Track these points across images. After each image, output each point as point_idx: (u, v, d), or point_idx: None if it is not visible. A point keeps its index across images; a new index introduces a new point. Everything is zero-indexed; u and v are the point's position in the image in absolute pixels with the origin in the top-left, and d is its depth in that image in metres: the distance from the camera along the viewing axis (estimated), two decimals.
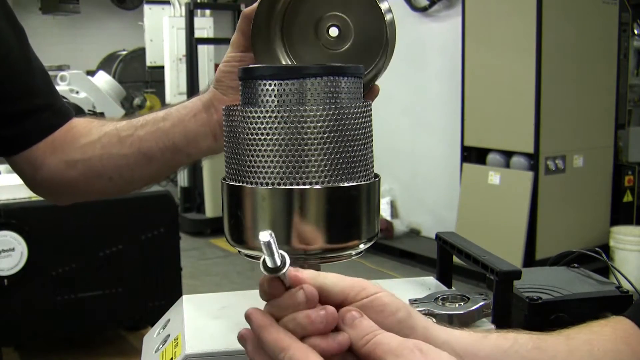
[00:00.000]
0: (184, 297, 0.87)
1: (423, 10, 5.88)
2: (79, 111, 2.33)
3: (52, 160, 1.03)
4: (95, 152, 1.01)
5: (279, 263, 0.54)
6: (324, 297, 0.56)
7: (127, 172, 1.00)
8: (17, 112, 1.01)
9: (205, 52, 7.40)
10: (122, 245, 3.26)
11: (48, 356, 3.51)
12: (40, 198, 3.27)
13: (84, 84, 2.79)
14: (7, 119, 1.01)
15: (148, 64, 8.18)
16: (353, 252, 0.69)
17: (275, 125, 0.64)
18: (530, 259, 4.75)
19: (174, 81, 7.33)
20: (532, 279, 0.95)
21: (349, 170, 0.66)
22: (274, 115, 0.64)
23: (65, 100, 2.35)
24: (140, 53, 9.20)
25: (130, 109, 8.00)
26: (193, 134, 0.94)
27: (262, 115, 0.65)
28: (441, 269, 0.92)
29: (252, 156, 0.65)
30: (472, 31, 5.13)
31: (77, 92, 2.64)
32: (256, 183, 0.65)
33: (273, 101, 0.66)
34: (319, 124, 0.64)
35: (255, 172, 0.65)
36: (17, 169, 1.07)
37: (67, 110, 1.08)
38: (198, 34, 7.01)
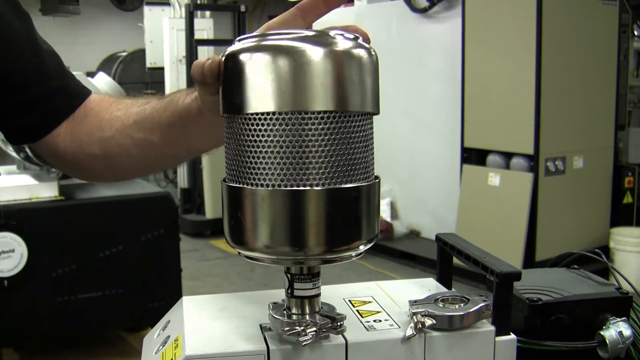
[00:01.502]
0: (184, 298, 0.87)
1: (423, 11, 5.88)
2: None
3: (73, 150, 1.03)
4: (114, 150, 1.00)
5: None
6: None
7: (156, 167, 1.06)
8: (30, 99, 1.01)
9: (205, 53, 7.40)
10: (122, 246, 3.26)
11: (48, 357, 3.51)
12: (40, 199, 3.26)
13: (84, 84, 2.80)
14: (21, 106, 1.01)
15: (148, 65, 8.19)
16: (353, 253, 0.69)
17: (276, 127, 0.64)
18: (530, 260, 4.75)
19: (174, 82, 7.33)
20: (532, 280, 0.95)
21: (350, 172, 0.66)
22: (274, 116, 0.64)
23: None
24: (140, 54, 9.20)
25: None
26: (220, 141, 0.94)
27: (262, 117, 0.65)
28: (441, 270, 0.92)
29: (253, 157, 0.65)
30: (472, 32, 5.14)
31: None
32: (256, 184, 0.65)
33: None
34: (320, 126, 0.64)
35: (256, 173, 0.65)
36: (43, 156, 1.08)
37: (80, 91, 1.07)
38: (198, 35, 7.01)
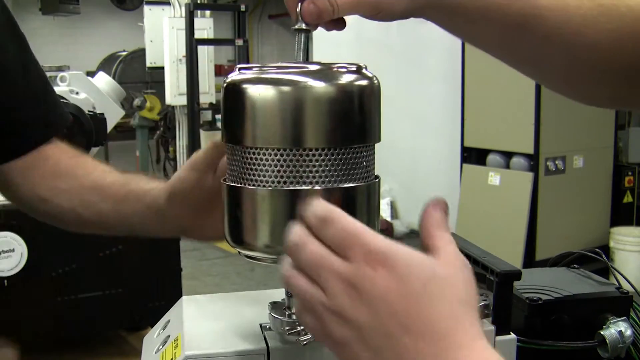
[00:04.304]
0: (184, 297, 0.87)
1: None
2: (79, 112, 2.33)
3: (25, 188, 1.02)
4: (64, 205, 1.00)
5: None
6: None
7: (99, 231, 1.05)
8: None
9: (205, 53, 7.41)
10: (122, 246, 3.26)
11: (48, 356, 3.51)
12: None
13: (84, 84, 2.78)
14: None
15: (148, 64, 8.19)
16: None
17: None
18: (530, 260, 4.75)
19: (174, 82, 7.33)
20: (532, 279, 0.95)
21: (349, 171, 0.66)
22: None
23: (64, 101, 2.32)
24: (140, 54, 9.21)
25: (130, 109, 7.99)
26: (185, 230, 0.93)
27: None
28: None
29: (253, 157, 0.65)
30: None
31: (77, 93, 2.64)
32: (256, 184, 0.65)
33: None
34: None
35: (256, 173, 0.65)
36: None
37: (47, 130, 1.05)
38: (198, 34, 7.01)
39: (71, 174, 1.01)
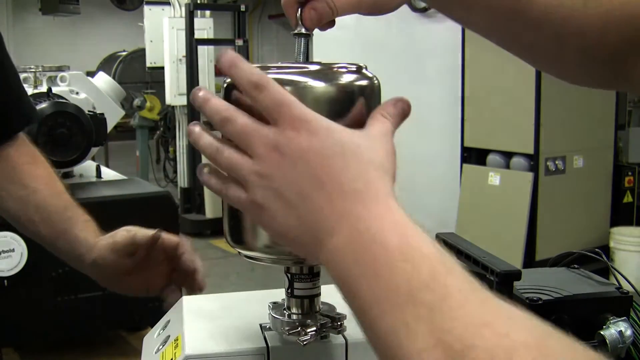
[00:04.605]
0: (184, 298, 0.88)
1: (423, 11, 5.88)
2: (79, 112, 2.33)
3: None
4: (10, 212, 1.06)
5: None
6: None
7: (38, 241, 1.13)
8: None
9: (205, 53, 7.40)
10: None
11: (48, 356, 3.51)
12: None
13: (84, 84, 2.78)
14: None
15: (148, 64, 8.19)
16: None
17: None
18: (530, 260, 4.75)
19: (174, 82, 7.33)
20: (532, 279, 0.95)
21: None
22: None
23: (64, 100, 2.32)
24: (140, 54, 9.20)
25: (130, 109, 7.99)
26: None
27: None
28: None
29: None
30: (472, 32, 5.13)
31: (77, 93, 2.64)
32: None
33: None
34: None
35: None
36: None
37: (16, 126, 1.07)
38: (198, 34, 7.01)
39: (23, 183, 1.05)
